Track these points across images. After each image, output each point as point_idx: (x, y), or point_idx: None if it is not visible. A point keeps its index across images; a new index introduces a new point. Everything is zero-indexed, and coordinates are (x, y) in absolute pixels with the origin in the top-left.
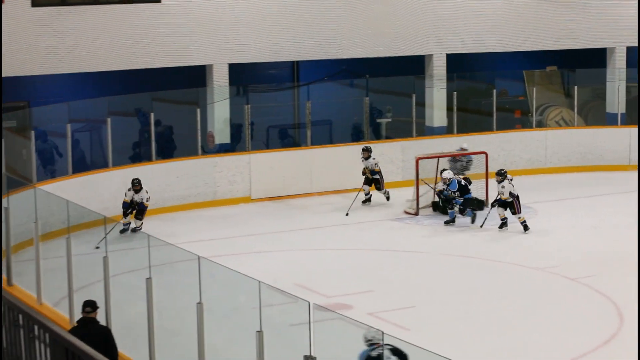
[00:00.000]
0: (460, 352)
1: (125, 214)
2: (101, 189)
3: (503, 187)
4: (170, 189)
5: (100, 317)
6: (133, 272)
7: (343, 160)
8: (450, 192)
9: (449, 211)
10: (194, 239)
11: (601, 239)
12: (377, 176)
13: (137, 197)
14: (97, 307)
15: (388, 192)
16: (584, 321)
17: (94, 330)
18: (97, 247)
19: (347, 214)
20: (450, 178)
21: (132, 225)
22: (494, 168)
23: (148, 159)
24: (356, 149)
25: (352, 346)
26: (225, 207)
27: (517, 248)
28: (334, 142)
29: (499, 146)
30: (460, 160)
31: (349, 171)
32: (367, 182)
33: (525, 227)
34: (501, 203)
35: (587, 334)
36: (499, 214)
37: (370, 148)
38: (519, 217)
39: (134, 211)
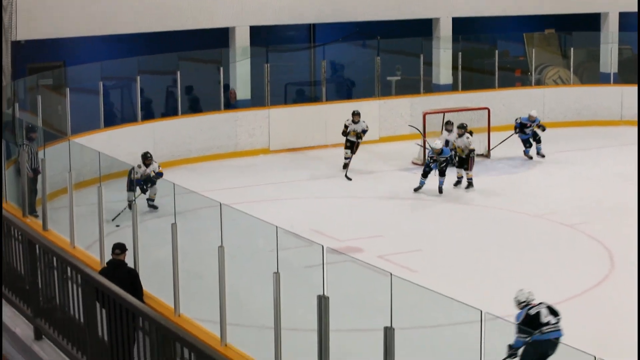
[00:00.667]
0: (464, 292)
1: (131, 189)
2: (130, 141)
3: (468, 138)
4: (194, 142)
5: (129, 260)
6: (159, 218)
7: None
8: (441, 158)
9: (421, 180)
10: (217, 187)
11: (595, 188)
12: (360, 140)
13: (148, 171)
14: (125, 250)
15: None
16: (578, 265)
17: (121, 273)
18: (118, 226)
19: (348, 178)
20: (441, 148)
21: (147, 196)
22: (495, 123)
23: (174, 113)
24: (368, 104)
25: (362, 286)
26: (246, 157)
27: (518, 196)
28: (347, 98)
29: (500, 102)
30: (529, 127)
31: None
32: (350, 145)
33: (470, 185)
34: (459, 161)
35: (580, 277)
36: (457, 172)
37: (360, 112)
38: (468, 174)
39: (144, 187)
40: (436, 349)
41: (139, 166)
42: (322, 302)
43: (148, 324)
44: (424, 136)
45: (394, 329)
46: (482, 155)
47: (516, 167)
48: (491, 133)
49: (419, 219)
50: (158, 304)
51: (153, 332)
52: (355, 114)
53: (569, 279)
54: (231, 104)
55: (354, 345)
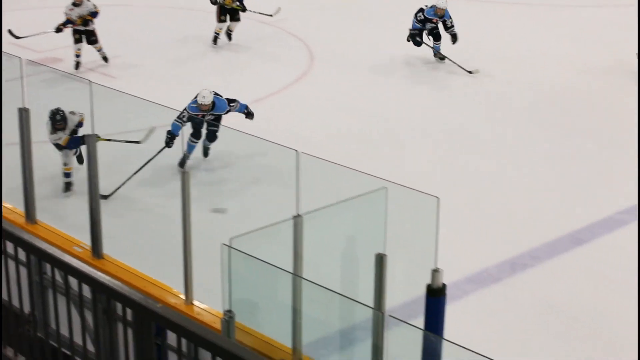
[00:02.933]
0: (159, 93)
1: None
2: None
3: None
4: None
5: None
6: None
7: None
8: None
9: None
10: None
11: None
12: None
13: (83, 11)
14: None
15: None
16: (280, 61)
17: None
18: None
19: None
20: (211, 102)
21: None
22: None
23: None
24: None
25: (63, 96)
26: None
27: None
28: None
29: None
30: (435, 23)
31: None
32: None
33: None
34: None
35: (283, 72)
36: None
37: None
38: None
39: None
40: (139, 154)
41: (71, 8)
42: (23, 115)
43: None
44: None
45: (96, 136)
46: None
47: None
48: None
49: (120, 27)
50: None
51: None
52: None
53: (273, 74)
54: None
55: (58, 155)
